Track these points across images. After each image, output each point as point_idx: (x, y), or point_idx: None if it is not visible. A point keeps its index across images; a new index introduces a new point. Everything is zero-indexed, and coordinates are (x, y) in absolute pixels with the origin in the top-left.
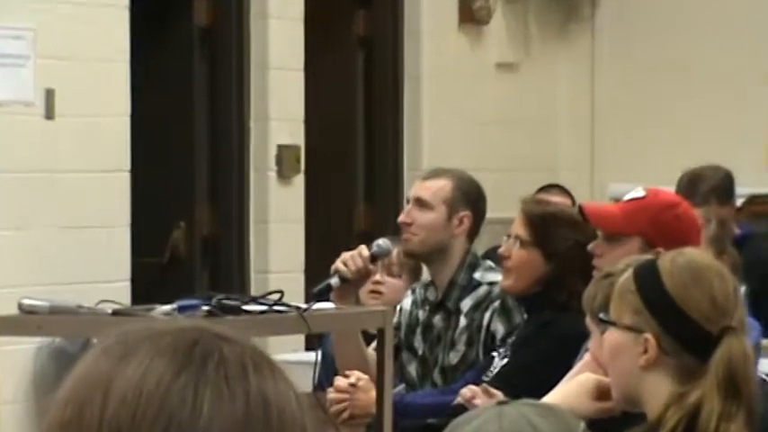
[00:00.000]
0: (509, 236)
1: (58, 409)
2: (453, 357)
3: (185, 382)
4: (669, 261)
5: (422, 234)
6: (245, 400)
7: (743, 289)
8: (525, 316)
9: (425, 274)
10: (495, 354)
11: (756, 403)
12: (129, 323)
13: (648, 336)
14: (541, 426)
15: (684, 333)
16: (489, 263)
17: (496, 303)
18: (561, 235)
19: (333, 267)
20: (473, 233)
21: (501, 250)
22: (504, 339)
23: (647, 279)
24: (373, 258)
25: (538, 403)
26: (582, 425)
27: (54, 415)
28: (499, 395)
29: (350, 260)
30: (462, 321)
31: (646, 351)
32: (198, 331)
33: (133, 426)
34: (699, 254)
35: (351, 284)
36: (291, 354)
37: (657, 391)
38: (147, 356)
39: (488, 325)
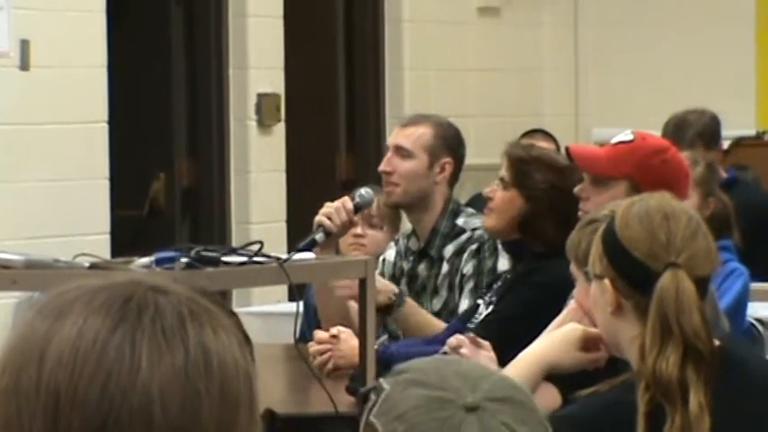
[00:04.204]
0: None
1: None
2: (436, 304)
3: (122, 337)
4: (627, 205)
5: (403, 183)
6: (185, 351)
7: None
8: (510, 264)
9: (405, 224)
10: (480, 301)
11: (701, 342)
12: (63, 284)
13: (606, 281)
14: None
15: (633, 273)
16: (471, 210)
17: (473, 246)
18: (540, 177)
19: (316, 220)
20: (453, 180)
21: (486, 191)
22: (489, 285)
23: (608, 226)
24: (357, 209)
25: (509, 399)
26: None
27: None
28: (486, 345)
29: (334, 213)
30: (444, 267)
31: None
32: (133, 285)
33: (71, 385)
34: (659, 197)
35: (333, 237)
36: (274, 305)
37: (627, 336)
38: (82, 315)
39: (463, 266)
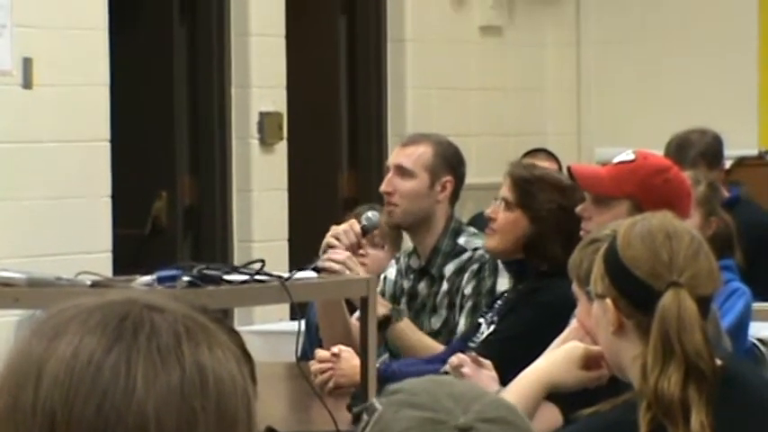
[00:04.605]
0: (497, 199)
1: None
2: (435, 322)
3: (117, 356)
4: (629, 225)
5: (404, 203)
6: (180, 370)
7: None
8: (510, 283)
9: (407, 242)
10: (481, 320)
11: (703, 361)
12: (60, 303)
13: (608, 300)
14: None
15: (635, 293)
16: (473, 229)
17: (475, 266)
18: (545, 198)
19: (324, 243)
20: (454, 198)
21: (488, 212)
22: (491, 305)
23: (609, 245)
24: (364, 232)
25: (500, 420)
26: None
27: None
28: (488, 364)
29: (342, 234)
30: (444, 286)
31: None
32: (128, 304)
33: (66, 405)
34: (661, 216)
35: None
36: (276, 323)
37: (629, 355)
38: (78, 335)
39: (464, 287)
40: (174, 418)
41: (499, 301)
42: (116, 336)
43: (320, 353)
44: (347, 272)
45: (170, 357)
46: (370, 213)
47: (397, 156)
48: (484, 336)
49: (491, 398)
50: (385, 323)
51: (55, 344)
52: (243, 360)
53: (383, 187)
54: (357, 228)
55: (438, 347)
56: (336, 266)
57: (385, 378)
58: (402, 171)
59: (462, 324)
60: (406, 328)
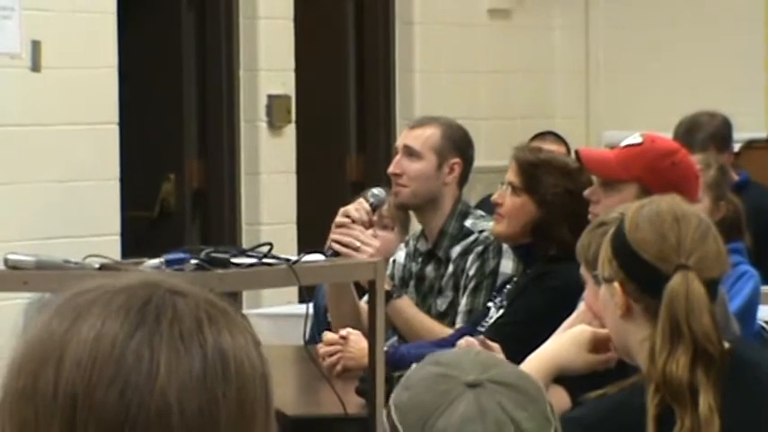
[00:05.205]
0: (503, 183)
1: (12, 378)
2: (442, 304)
3: (140, 341)
4: (637, 208)
5: (412, 185)
6: (202, 356)
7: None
8: (514, 265)
9: (416, 225)
10: (490, 304)
11: (711, 344)
12: (81, 283)
13: (615, 284)
14: (523, 422)
15: (642, 276)
16: (480, 212)
17: (479, 248)
18: (551, 181)
19: (334, 224)
20: (462, 181)
21: (494, 197)
22: (500, 289)
23: (617, 229)
24: (373, 209)
25: (511, 385)
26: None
27: (8, 384)
28: (496, 347)
29: (354, 212)
30: (450, 268)
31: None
32: (151, 287)
33: (89, 389)
34: (669, 199)
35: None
36: (285, 306)
37: (637, 339)
38: (100, 318)
39: (468, 268)
40: (195, 404)
41: (509, 286)
42: (139, 320)
43: (328, 335)
44: (357, 244)
45: (192, 343)
46: (376, 190)
47: (405, 137)
48: (493, 320)
49: (512, 367)
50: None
51: (77, 326)
52: (259, 345)
53: (391, 169)
54: (366, 205)
55: (436, 326)
56: (343, 249)
57: (393, 361)
58: (410, 152)
59: (464, 303)
60: (404, 304)
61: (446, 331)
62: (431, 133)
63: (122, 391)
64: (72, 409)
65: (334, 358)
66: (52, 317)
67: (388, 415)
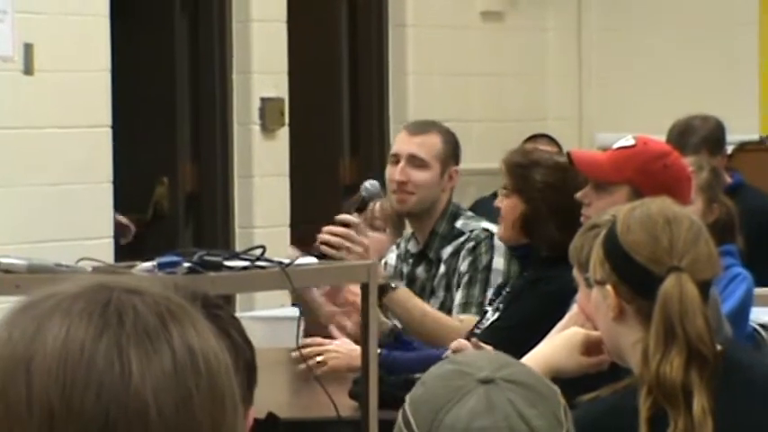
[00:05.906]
0: (504, 188)
1: None
2: (434, 304)
3: (107, 344)
4: (629, 210)
5: (419, 192)
6: (171, 352)
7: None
8: (505, 263)
9: (407, 227)
10: (488, 308)
11: (704, 345)
12: (33, 292)
13: (608, 286)
14: (533, 419)
15: (635, 278)
16: (470, 213)
17: (470, 245)
18: (536, 178)
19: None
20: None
21: (495, 203)
22: (497, 292)
23: (609, 231)
24: (365, 203)
25: (523, 383)
26: (566, 420)
27: None
28: (489, 350)
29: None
30: (441, 269)
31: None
32: (106, 290)
33: (64, 398)
34: (660, 202)
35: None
36: (277, 309)
37: (630, 341)
38: (64, 326)
39: (460, 265)
40: (171, 400)
41: (507, 289)
42: (103, 323)
43: (307, 340)
44: (346, 244)
45: (159, 341)
46: (368, 183)
47: (407, 145)
48: (489, 323)
49: (527, 369)
50: (381, 293)
51: (41, 336)
52: (217, 338)
53: (397, 176)
54: (352, 219)
55: (438, 313)
56: (330, 250)
57: (386, 365)
58: (416, 161)
59: (459, 297)
60: (403, 295)
61: (448, 318)
62: (434, 141)
63: (98, 395)
64: (49, 420)
65: (320, 357)
66: (10, 331)
67: (403, 410)
